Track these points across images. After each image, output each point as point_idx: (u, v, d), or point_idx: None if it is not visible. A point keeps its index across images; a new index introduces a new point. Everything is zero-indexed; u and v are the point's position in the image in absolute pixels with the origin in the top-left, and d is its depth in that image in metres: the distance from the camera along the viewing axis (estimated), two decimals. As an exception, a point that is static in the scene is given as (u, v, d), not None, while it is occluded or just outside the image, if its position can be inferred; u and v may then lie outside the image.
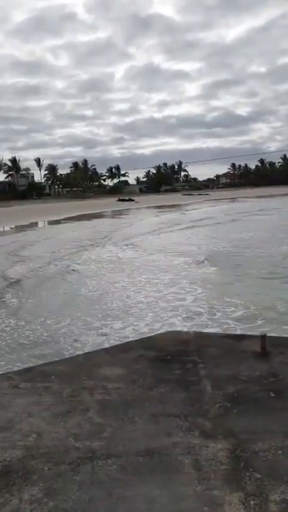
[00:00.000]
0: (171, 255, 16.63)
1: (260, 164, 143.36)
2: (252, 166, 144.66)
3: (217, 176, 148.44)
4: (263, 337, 4.38)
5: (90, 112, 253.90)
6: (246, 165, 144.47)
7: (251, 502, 2.31)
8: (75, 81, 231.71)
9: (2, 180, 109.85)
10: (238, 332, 7.13)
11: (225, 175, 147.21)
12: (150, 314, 8.69)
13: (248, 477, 2.52)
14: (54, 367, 4.40)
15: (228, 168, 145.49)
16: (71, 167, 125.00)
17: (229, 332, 7.03)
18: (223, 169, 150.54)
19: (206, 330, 7.24)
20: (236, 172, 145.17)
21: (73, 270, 14.29)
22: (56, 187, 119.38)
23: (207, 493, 2.40)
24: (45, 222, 40.43)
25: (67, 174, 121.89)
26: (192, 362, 4.22)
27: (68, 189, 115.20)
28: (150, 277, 12.40)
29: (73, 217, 43.91)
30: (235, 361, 4.22)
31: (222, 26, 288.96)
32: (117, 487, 2.48)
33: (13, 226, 35.97)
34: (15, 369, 5.34)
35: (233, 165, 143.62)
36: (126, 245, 20.33)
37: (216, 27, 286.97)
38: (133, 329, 7.79)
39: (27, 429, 3.15)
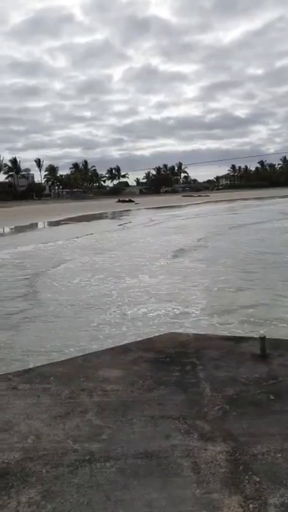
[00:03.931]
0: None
1: (259, 166, 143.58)
2: (252, 168, 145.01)
3: (217, 178, 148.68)
4: (263, 339, 4.37)
5: (89, 113, 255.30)
6: (246, 166, 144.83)
7: (250, 506, 2.30)
8: (73, 82, 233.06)
9: (2, 180, 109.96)
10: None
11: (225, 176, 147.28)
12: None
13: (247, 480, 2.50)
14: (53, 368, 4.39)
15: (228, 170, 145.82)
16: (71, 168, 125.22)
17: (228, 334, 7.01)
18: (223, 170, 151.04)
19: (205, 332, 7.22)
20: (236, 174, 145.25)
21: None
22: (56, 188, 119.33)
23: (206, 496, 2.39)
24: (45, 223, 40.40)
25: (67, 175, 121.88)
26: (191, 364, 4.21)
27: (68, 189, 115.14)
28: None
29: (72, 218, 43.85)
30: (234, 363, 4.21)
31: (219, 28, 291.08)
32: (116, 490, 2.47)
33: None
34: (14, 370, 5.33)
35: (233, 166, 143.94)
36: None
37: (213, 30, 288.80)
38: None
39: (26, 431, 3.14)
